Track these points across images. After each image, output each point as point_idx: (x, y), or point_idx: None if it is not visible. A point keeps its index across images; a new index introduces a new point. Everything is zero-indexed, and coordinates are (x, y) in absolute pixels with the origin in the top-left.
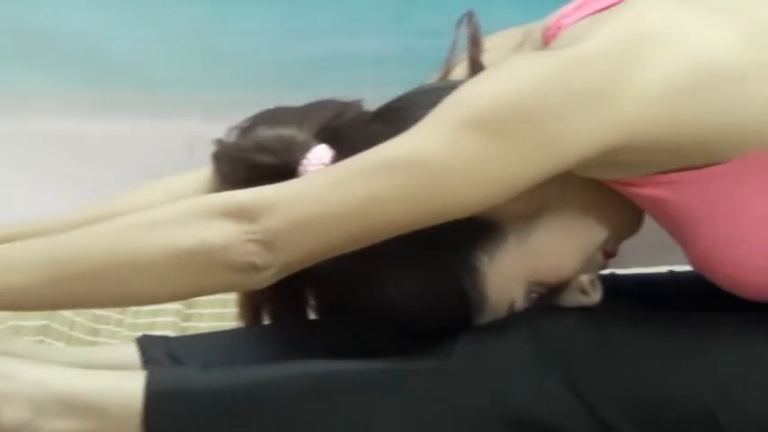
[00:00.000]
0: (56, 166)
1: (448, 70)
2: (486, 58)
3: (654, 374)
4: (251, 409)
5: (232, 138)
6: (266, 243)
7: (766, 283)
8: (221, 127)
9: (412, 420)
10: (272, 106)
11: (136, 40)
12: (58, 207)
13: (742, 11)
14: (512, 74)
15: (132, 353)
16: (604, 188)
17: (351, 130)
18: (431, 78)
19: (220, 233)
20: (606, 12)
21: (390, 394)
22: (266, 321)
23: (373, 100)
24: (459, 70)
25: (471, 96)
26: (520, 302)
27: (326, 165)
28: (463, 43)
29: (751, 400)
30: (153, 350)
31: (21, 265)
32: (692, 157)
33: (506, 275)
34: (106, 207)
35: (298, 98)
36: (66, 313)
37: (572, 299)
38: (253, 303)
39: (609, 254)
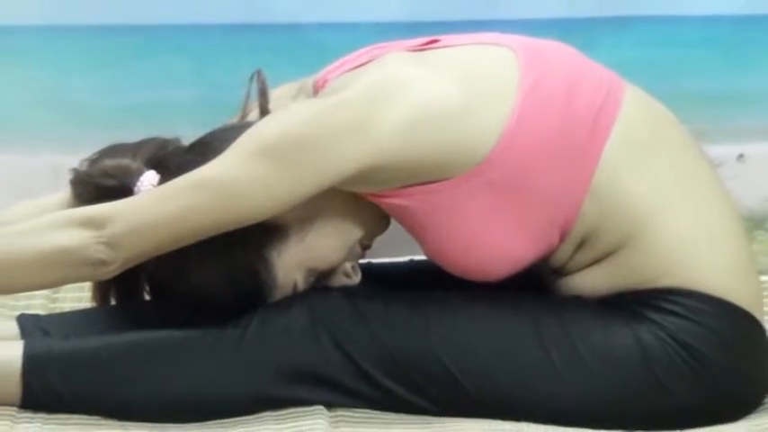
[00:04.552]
0: None
1: (245, 114)
2: (271, 105)
3: (397, 334)
4: (98, 366)
5: (84, 167)
6: (110, 244)
7: (482, 271)
8: (76, 159)
9: (222, 369)
10: (110, 143)
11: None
12: None
13: (456, 65)
14: (290, 115)
15: (13, 327)
16: (360, 198)
17: (172, 159)
18: (230, 120)
19: (77, 238)
20: (363, 67)
21: (208, 352)
22: (113, 302)
23: (186, 137)
24: (253, 114)
25: (260, 132)
26: (301, 284)
27: (155, 186)
28: (254, 94)
29: (472, 354)
30: (28, 325)
31: None
32: (425, 175)
33: (290, 264)
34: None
35: (128, 137)
36: None
37: (339, 281)
38: (103, 289)
39: (365, 247)
